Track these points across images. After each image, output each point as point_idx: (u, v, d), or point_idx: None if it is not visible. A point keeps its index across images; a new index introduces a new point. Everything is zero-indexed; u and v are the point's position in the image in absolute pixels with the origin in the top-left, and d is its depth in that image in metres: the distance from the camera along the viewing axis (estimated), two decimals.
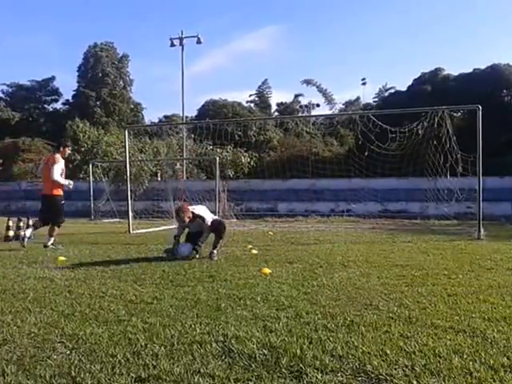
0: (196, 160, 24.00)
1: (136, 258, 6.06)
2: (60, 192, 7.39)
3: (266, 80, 50.53)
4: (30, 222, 9.41)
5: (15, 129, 38.43)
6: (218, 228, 6.20)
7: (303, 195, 20.40)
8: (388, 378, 2.06)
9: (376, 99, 44.10)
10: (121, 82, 43.92)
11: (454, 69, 57.67)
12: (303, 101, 49.00)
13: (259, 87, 50.26)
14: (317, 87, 46.65)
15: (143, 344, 2.52)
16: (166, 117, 46.09)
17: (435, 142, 11.47)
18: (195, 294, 3.76)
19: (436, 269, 4.94)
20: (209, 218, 6.20)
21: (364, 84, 50.22)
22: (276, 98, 65.22)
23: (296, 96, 49.61)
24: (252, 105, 47.73)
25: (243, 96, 49.56)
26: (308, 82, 46.59)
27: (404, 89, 36.01)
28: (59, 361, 2.31)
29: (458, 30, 69.91)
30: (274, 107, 50.24)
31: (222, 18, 77.38)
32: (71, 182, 7.51)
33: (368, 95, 72.37)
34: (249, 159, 24.43)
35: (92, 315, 3.13)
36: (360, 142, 13.16)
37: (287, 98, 51.61)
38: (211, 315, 3.10)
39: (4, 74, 72.46)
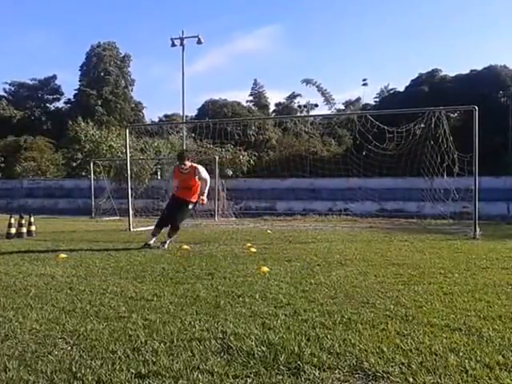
0: (196, 159, 23.97)
1: (136, 255, 6.09)
2: None
3: (256, 80, 50.63)
4: (32, 220, 9.45)
5: (17, 127, 38.52)
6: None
7: (301, 194, 20.44)
8: (385, 375, 2.08)
9: (377, 99, 44.21)
10: (122, 82, 43.99)
11: (451, 70, 57.77)
12: (302, 101, 49.14)
13: (252, 88, 50.38)
14: (316, 87, 46.76)
15: (143, 340, 2.55)
16: (166, 116, 46.26)
17: (432, 142, 11.53)
18: (194, 291, 3.79)
19: (432, 268, 4.97)
20: (206, 176, 7.12)
21: (365, 85, 50.36)
22: (275, 98, 65.14)
23: (294, 96, 49.65)
24: (251, 104, 47.80)
25: (243, 95, 49.77)
26: (308, 82, 46.68)
27: (402, 89, 36.14)
28: (60, 356, 2.33)
29: (456, 32, 70.01)
30: (272, 107, 50.31)
31: (222, 17, 77.33)
32: None
33: (368, 96, 72.44)
34: (248, 158, 24.46)
35: (93, 312, 3.16)
36: (358, 142, 13.20)
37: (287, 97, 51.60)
38: (210, 312, 3.13)
39: (6, 72, 72.37)
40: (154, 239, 7.11)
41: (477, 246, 7.06)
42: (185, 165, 7.03)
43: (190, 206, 7.20)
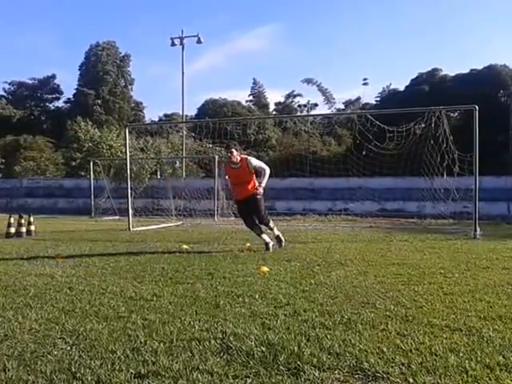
0: (195, 158, 24.01)
1: (136, 255, 6.08)
2: None
3: (255, 80, 50.70)
4: (31, 219, 9.44)
5: (16, 126, 38.54)
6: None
7: (301, 194, 20.42)
8: (384, 375, 2.08)
9: (378, 99, 44.20)
10: (122, 81, 44.00)
11: (451, 69, 57.73)
12: (302, 100, 49.19)
13: (252, 87, 50.44)
14: (317, 86, 46.81)
15: (143, 340, 2.54)
16: (166, 115, 46.34)
17: (432, 142, 11.51)
18: (194, 291, 3.79)
19: (432, 268, 4.96)
20: (261, 164, 6.62)
21: (365, 84, 50.35)
22: (275, 98, 64.99)
23: (294, 95, 49.68)
24: (251, 104, 47.86)
25: (242, 95, 49.93)
26: (308, 81, 46.74)
27: (402, 89, 36.14)
28: (59, 356, 2.33)
29: (456, 31, 70.02)
30: (272, 106, 50.36)
31: (221, 16, 77.35)
32: None
33: (369, 95, 72.41)
34: None
35: (92, 312, 3.16)
36: (358, 142, 13.16)
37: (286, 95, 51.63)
38: (210, 312, 3.13)
39: (5, 71, 72.49)
40: (267, 238, 6.70)
41: (477, 246, 7.06)
42: (234, 157, 6.46)
43: (260, 194, 6.54)
